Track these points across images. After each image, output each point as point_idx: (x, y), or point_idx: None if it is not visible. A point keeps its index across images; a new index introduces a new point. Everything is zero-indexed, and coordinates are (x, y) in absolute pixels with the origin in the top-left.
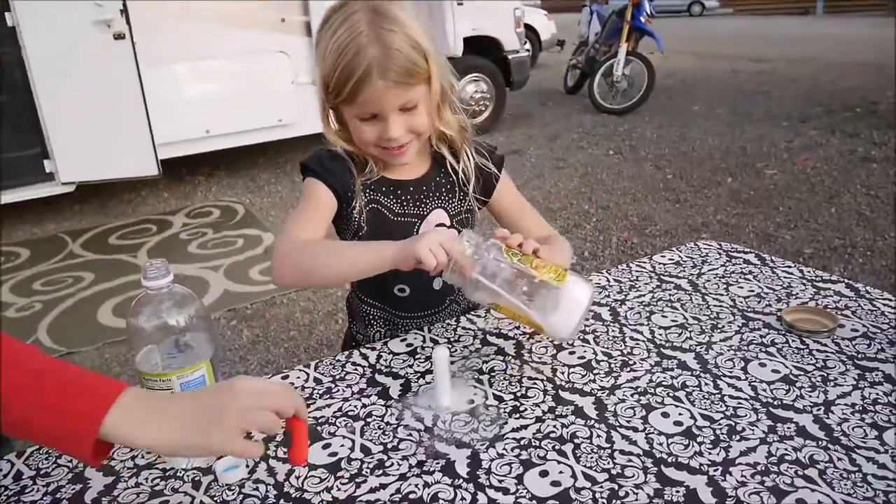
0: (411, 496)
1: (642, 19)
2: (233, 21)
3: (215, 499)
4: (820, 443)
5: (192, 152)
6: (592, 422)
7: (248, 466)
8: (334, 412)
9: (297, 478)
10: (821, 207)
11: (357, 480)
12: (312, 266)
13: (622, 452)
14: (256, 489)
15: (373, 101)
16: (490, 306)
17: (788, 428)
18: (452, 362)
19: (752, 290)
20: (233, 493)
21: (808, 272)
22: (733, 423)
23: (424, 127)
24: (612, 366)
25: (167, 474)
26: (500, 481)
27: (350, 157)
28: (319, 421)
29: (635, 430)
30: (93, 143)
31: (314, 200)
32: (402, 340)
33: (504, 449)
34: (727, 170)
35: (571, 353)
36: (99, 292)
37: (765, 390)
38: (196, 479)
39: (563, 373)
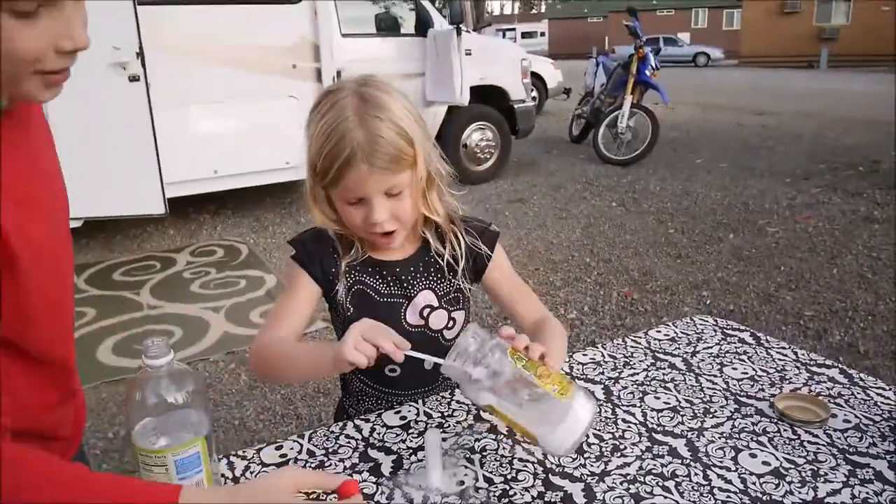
0: None
1: (647, 73)
2: (245, 66)
3: None
4: None
5: (200, 192)
6: None
7: None
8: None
9: None
10: (822, 268)
11: None
12: (273, 369)
13: None
14: None
15: (357, 186)
16: (485, 409)
17: None
18: (445, 439)
19: (746, 373)
20: None
21: (803, 355)
22: None
23: (408, 213)
24: (603, 450)
25: None
26: None
27: (339, 238)
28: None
29: None
30: (102, 180)
31: (294, 290)
32: (395, 413)
33: None
34: (729, 225)
35: None
36: (100, 329)
37: (754, 483)
38: None
39: (553, 455)
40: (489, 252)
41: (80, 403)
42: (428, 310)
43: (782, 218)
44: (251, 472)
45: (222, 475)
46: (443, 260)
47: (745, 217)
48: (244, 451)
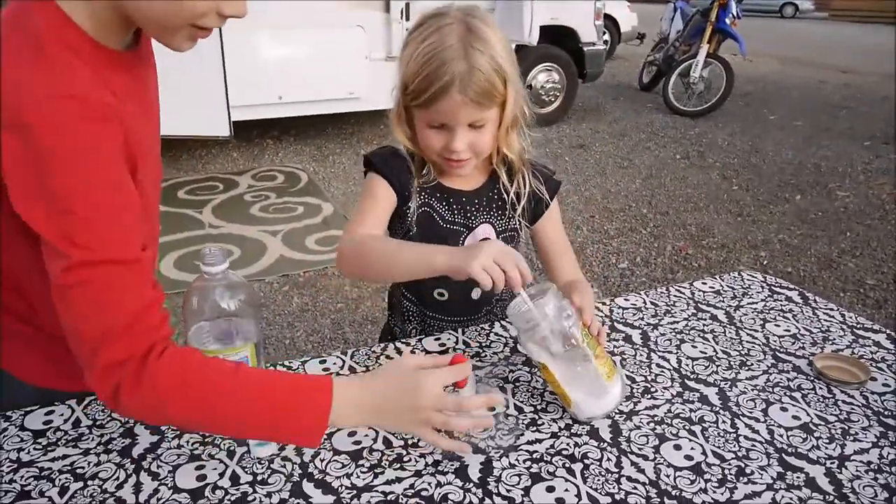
0: (423, 493)
1: (727, 21)
2: None
3: (246, 469)
4: (827, 497)
5: (264, 117)
6: (605, 444)
7: (277, 445)
8: None
9: (322, 461)
10: (890, 237)
11: (376, 471)
12: (369, 264)
13: (629, 479)
14: (283, 466)
15: (446, 113)
16: (536, 363)
17: (798, 477)
18: (480, 367)
19: (789, 330)
20: (262, 467)
21: (850, 318)
22: (743, 465)
23: (486, 147)
24: (634, 391)
25: (206, 440)
26: (507, 490)
27: (411, 157)
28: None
29: (645, 458)
30: (171, 100)
31: (375, 196)
32: (435, 339)
33: (516, 460)
34: (797, 186)
35: None
36: (163, 243)
37: (781, 436)
38: (231, 448)
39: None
40: (549, 200)
41: None
42: (487, 240)
43: (855, 182)
44: None
45: None
46: (507, 197)
47: (815, 179)
48: (290, 362)
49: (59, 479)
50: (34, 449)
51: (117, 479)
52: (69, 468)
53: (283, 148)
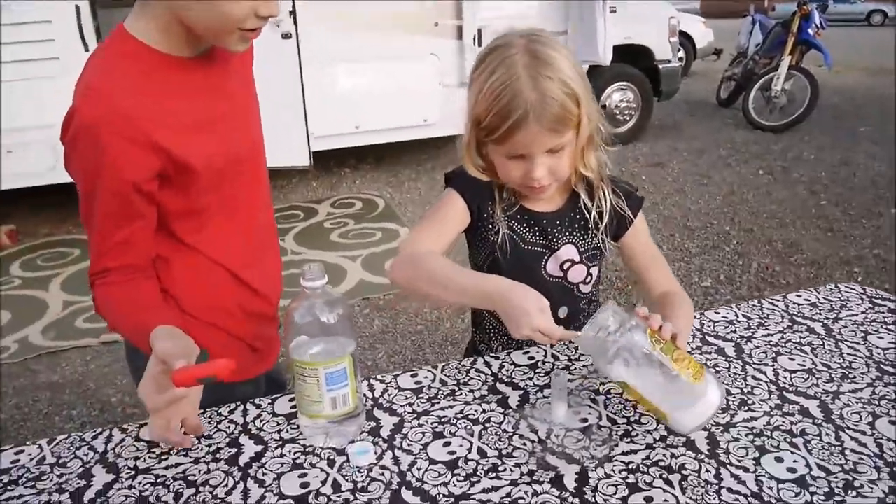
0: (520, 502)
1: (810, 31)
2: (389, 24)
3: (346, 478)
4: None
5: (342, 146)
6: (703, 456)
7: (376, 453)
8: (456, 413)
9: (419, 469)
10: None
11: (472, 479)
12: (421, 282)
13: (730, 490)
14: (382, 474)
15: (523, 144)
16: (618, 384)
17: None
18: (571, 380)
19: (893, 342)
20: (361, 475)
21: None
22: (851, 479)
23: (566, 170)
24: (731, 403)
25: (307, 450)
26: (605, 500)
27: (492, 182)
28: (442, 420)
29: (745, 470)
30: None
31: (447, 212)
32: (524, 353)
33: (612, 470)
34: (892, 200)
35: None
36: None
37: (891, 449)
38: (331, 458)
39: (679, 433)
40: (632, 217)
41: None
42: (569, 264)
43: None
44: (388, 394)
45: (364, 394)
46: (589, 215)
47: None
48: (383, 376)
49: (174, 486)
50: (149, 458)
51: (226, 485)
52: (182, 475)
53: (361, 176)
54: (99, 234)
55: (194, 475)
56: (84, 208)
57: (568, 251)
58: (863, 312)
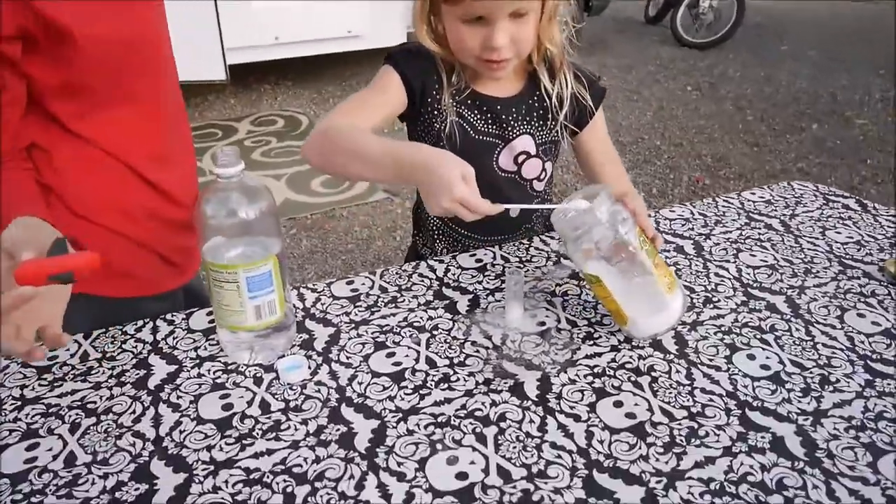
0: (477, 413)
1: None
2: None
3: (276, 396)
4: None
5: (260, 59)
6: (671, 356)
7: (309, 368)
8: (399, 321)
9: (360, 384)
10: None
11: (421, 392)
12: (335, 154)
13: (703, 391)
14: (318, 391)
15: (484, 2)
16: (587, 277)
17: (889, 384)
18: (524, 283)
19: (851, 237)
20: (294, 393)
21: None
22: (826, 373)
23: (529, 41)
24: (695, 301)
25: (229, 368)
26: (570, 407)
27: (441, 61)
28: (383, 329)
29: (718, 369)
30: None
31: (380, 89)
32: (471, 256)
33: (576, 375)
34: (813, 116)
35: None
36: None
37: (863, 342)
38: (258, 375)
39: (632, 338)
40: (593, 108)
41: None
42: (524, 156)
43: (873, 111)
44: (321, 303)
45: (294, 305)
46: (549, 103)
47: (831, 108)
48: (315, 285)
49: (69, 416)
50: (39, 385)
51: (133, 412)
52: (79, 403)
53: (282, 93)
54: None
55: (94, 402)
56: None
57: (524, 142)
58: (818, 209)
